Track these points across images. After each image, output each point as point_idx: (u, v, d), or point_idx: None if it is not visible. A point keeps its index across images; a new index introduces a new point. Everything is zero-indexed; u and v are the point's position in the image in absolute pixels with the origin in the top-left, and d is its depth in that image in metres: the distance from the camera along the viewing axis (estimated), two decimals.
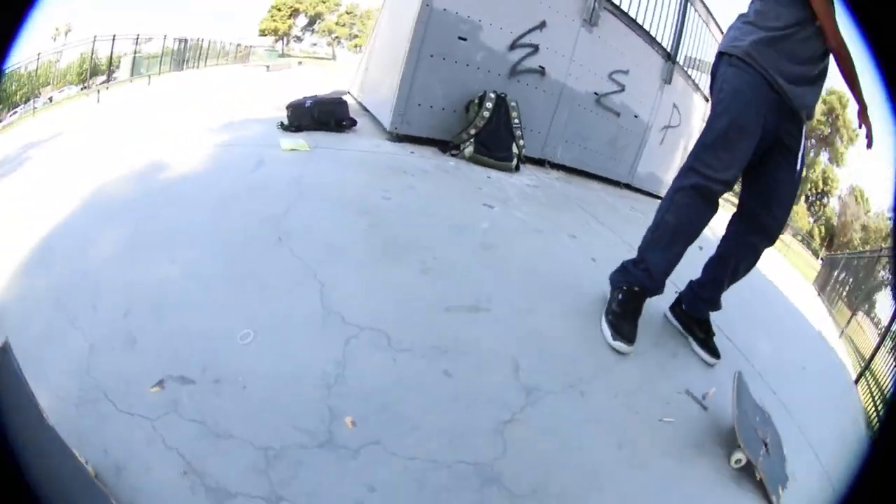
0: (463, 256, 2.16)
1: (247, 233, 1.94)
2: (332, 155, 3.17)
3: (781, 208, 1.88)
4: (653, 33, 5.85)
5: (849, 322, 8.83)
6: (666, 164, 7.06)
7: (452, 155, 3.87)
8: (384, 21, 5.24)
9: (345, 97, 4.99)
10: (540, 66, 4.54)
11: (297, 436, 1.18)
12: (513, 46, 4.29)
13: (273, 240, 1.89)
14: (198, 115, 3.93)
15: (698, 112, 7.53)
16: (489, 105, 3.91)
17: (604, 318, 1.90)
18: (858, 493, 0.51)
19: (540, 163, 4.83)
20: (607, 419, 1.51)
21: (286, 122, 3.63)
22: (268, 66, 13.76)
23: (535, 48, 4.43)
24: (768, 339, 2.60)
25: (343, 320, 1.54)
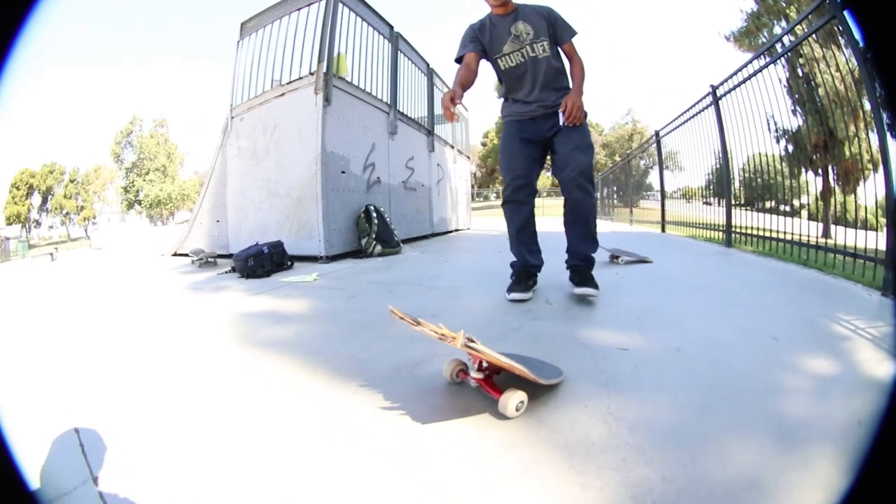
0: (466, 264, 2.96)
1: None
2: (339, 276, 3.77)
3: (571, 155, 2.43)
4: (414, 116, 7.74)
5: (631, 212, 11.97)
6: (444, 206, 9.20)
7: (368, 256, 5.03)
8: (237, 177, 5.80)
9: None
10: (377, 177, 5.99)
11: None
12: (364, 168, 5.64)
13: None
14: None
15: (449, 158, 9.81)
16: (375, 215, 5.21)
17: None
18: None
19: None
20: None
21: (250, 270, 3.97)
22: (51, 255, 12.80)
23: (373, 165, 5.87)
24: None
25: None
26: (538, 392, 1.25)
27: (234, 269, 4.31)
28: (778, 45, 4.01)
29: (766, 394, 1.23)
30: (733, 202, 5.22)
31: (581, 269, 2.52)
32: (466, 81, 2.45)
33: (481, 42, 2.57)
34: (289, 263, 4.42)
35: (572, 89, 2.52)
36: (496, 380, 1.27)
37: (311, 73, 4.90)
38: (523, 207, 2.61)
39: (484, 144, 56.90)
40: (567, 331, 1.90)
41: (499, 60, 2.60)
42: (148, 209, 55.76)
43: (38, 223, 58.42)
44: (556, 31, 2.55)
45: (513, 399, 1.14)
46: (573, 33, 2.57)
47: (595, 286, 2.43)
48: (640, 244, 5.43)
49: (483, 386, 1.24)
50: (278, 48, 5.41)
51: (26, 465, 0.60)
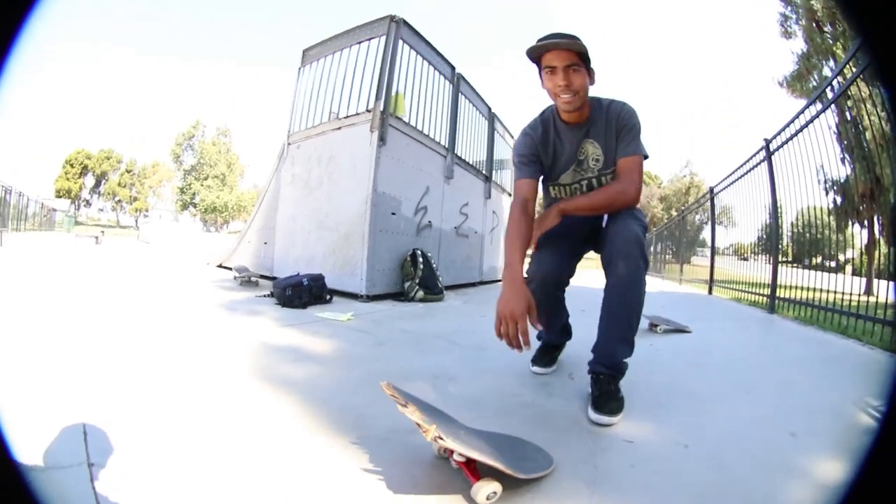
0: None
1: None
2: (373, 319, 3.84)
3: (625, 224, 1.83)
4: (471, 161, 7.85)
5: (681, 270, 12.19)
6: (496, 255, 9.20)
7: (409, 300, 5.09)
8: (290, 204, 6.01)
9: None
10: (429, 221, 6.11)
11: None
12: (416, 212, 5.77)
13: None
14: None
15: (506, 206, 9.76)
16: (421, 260, 5.30)
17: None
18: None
19: None
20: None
21: (286, 300, 4.09)
22: (96, 238, 14.25)
23: (426, 209, 6.00)
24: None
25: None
26: (520, 482, 1.24)
27: (272, 295, 4.46)
28: (827, 90, 4.04)
29: None
30: (780, 259, 5.25)
31: (603, 380, 1.86)
32: (528, 237, 1.90)
33: (541, 162, 2.07)
34: (328, 297, 4.53)
35: (566, 199, 1.98)
36: (479, 464, 1.27)
37: (368, 111, 5.09)
38: (548, 300, 2.16)
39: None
40: (578, 413, 1.86)
41: (551, 188, 2.16)
42: (202, 213, 58.89)
43: (88, 203, 61.87)
44: (617, 140, 1.95)
45: (485, 489, 1.15)
46: (636, 152, 1.93)
47: (616, 408, 1.76)
48: (683, 309, 5.41)
49: (463, 469, 1.25)
50: (338, 80, 5.63)
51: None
